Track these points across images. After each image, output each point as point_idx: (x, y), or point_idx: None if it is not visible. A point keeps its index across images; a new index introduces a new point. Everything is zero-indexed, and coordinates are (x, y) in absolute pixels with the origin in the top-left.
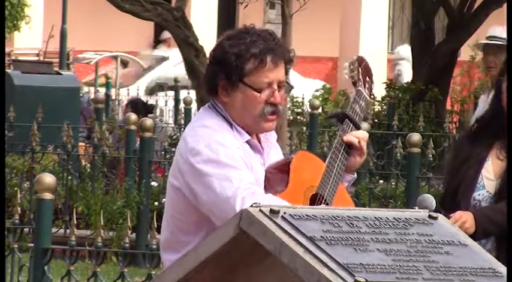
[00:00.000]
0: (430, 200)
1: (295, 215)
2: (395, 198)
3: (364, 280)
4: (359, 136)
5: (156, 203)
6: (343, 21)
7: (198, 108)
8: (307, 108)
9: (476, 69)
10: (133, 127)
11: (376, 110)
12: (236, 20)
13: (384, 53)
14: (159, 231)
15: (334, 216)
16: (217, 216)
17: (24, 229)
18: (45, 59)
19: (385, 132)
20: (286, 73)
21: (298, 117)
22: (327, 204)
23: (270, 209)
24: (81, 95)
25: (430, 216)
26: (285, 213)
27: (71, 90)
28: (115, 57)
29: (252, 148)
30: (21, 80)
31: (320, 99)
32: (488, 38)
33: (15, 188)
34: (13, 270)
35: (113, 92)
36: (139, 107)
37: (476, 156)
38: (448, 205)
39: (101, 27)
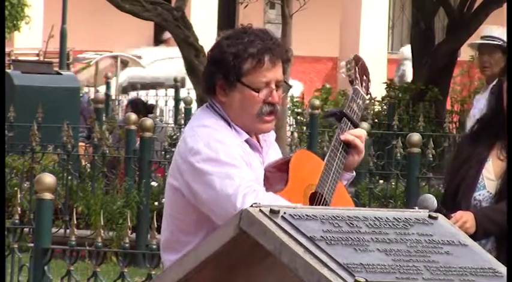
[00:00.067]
0: (432, 200)
1: (295, 215)
2: (395, 198)
3: (364, 280)
4: (357, 134)
5: (156, 203)
6: (343, 21)
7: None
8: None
9: (476, 69)
10: (133, 127)
11: (376, 110)
12: (236, 20)
13: (384, 53)
14: (159, 231)
15: (334, 216)
16: (218, 215)
17: (24, 229)
18: (45, 59)
19: (385, 132)
20: (284, 72)
21: (298, 117)
22: (326, 202)
23: (270, 209)
24: (81, 95)
25: (430, 216)
26: (285, 213)
27: (71, 90)
28: (115, 57)
29: (251, 147)
30: (21, 80)
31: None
32: (483, 37)
33: (15, 188)
34: (13, 270)
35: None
36: (140, 107)
37: (477, 157)
38: (448, 205)
39: (101, 27)
